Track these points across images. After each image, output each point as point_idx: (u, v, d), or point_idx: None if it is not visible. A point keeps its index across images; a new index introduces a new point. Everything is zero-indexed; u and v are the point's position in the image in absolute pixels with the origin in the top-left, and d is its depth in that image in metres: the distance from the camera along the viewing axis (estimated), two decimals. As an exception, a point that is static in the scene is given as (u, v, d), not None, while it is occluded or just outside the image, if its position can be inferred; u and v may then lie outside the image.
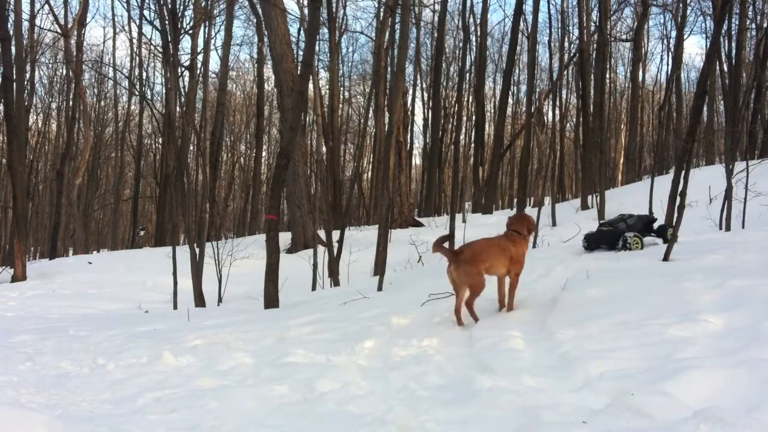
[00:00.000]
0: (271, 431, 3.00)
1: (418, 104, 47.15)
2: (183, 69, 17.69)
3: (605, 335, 3.75)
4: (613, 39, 26.51)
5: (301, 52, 20.17)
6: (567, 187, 32.14)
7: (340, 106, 27.92)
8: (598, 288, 4.83)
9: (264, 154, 35.15)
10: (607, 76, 24.99)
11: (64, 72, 28.69)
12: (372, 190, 29.36)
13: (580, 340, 3.74)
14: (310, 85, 17.17)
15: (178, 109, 14.17)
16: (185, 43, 24.18)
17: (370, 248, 11.76)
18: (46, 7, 24.51)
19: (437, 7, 26.78)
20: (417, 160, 40.34)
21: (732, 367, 2.93)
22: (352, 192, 23.34)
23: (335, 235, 12.18)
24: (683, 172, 6.33)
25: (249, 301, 9.68)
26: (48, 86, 32.93)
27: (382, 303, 6.23)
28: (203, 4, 19.48)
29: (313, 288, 10.90)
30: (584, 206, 18.89)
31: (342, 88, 31.94)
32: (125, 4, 28.63)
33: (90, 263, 16.75)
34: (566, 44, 23.44)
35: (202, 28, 20.72)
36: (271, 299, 7.56)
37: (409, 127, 27.79)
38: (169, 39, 11.51)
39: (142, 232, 31.62)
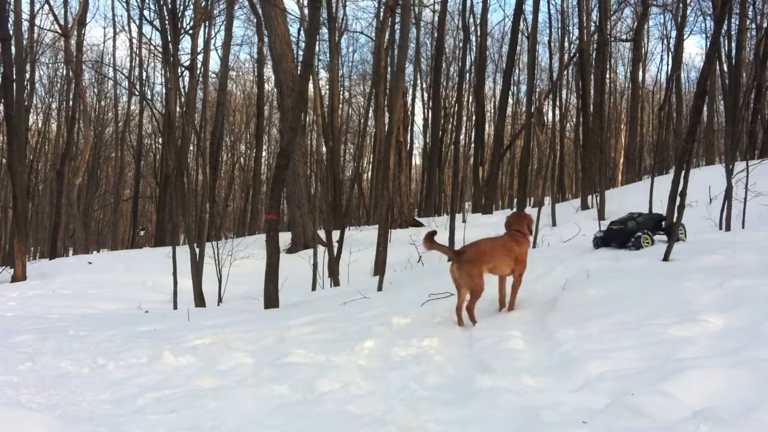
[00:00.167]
0: (271, 431, 3.00)
1: (418, 104, 47.15)
2: (183, 69, 17.67)
3: (605, 335, 3.75)
4: (613, 39, 26.50)
5: (301, 52, 20.20)
6: (567, 187, 32.12)
7: (340, 106, 27.91)
8: (598, 288, 4.84)
9: (264, 154, 35.18)
10: (607, 76, 24.97)
11: (64, 72, 28.70)
12: (372, 190, 29.35)
13: (580, 340, 3.75)
14: (310, 85, 17.18)
15: (178, 109, 14.15)
16: (185, 43, 24.17)
17: (370, 248, 11.76)
18: (46, 7, 24.57)
19: (437, 7, 26.83)
20: (417, 160, 40.40)
21: (732, 367, 2.93)
22: (352, 192, 23.34)
23: (335, 235, 12.17)
24: (683, 172, 6.32)
25: (249, 301, 9.68)
26: (48, 86, 33.03)
27: (382, 303, 6.22)
28: (203, 4, 19.46)
29: (313, 288, 10.89)
30: (584, 206, 18.88)
31: (342, 88, 31.95)
32: (125, 4, 28.76)
33: (90, 263, 16.76)
34: (566, 44, 23.44)
35: (202, 28, 20.70)
36: (271, 299, 7.56)
37: (409, 127, 27.78)
38: (169, 39, 11.52)
39: (142, 232, 31.63)
